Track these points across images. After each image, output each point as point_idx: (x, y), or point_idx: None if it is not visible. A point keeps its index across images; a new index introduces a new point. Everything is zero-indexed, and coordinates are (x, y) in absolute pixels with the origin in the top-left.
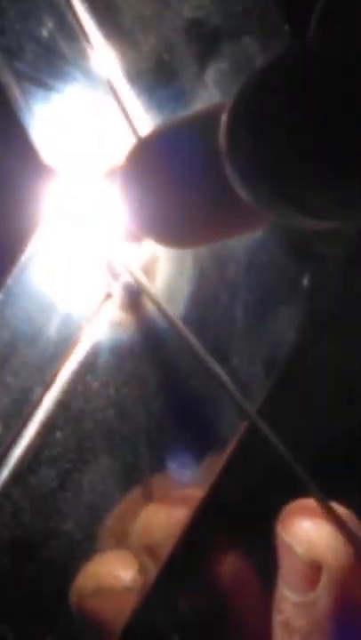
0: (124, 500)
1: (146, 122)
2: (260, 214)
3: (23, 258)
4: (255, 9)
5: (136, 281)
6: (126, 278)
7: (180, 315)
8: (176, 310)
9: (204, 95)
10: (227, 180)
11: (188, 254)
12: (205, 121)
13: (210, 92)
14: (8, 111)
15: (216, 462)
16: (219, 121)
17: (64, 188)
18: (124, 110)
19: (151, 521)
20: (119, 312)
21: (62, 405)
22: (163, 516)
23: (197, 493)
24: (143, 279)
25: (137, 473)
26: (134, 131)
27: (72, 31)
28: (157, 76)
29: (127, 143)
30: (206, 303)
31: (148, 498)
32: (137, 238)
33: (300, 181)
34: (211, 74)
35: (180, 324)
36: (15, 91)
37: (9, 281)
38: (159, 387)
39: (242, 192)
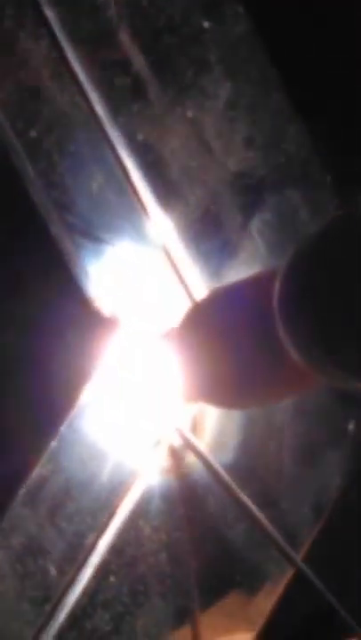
0: None
1: (198, 280)
2: (311, 376)
3: (77, 406)
4: (297, 160)
5: (182, 434)
6: (175, 428)
7: (229, 462)
8: (225, 458)
9: (249, 245)
10: (279, 343)
11: None
12: (258, 286)
13: (254, 242)
14: (60, 263)
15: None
16: (272, 286)
17: (118, 340)
18: (177, 271)
19: None
20: (169, 459)
21: (116, 550)
22: None
23: (245, 636)
24: (189, 432)
25: (189, 616)
26: (188, 291)
27: (121, 185)
28: (204, 227)
29: (181, 303)
30: (254, 450)
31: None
32: (190, 399)
33: (355, 346)
34: (255, 224)
35: (224, 475)
36: (67, 244)
37: (63, 428)
38: (209, 531)
39: (296, 355)
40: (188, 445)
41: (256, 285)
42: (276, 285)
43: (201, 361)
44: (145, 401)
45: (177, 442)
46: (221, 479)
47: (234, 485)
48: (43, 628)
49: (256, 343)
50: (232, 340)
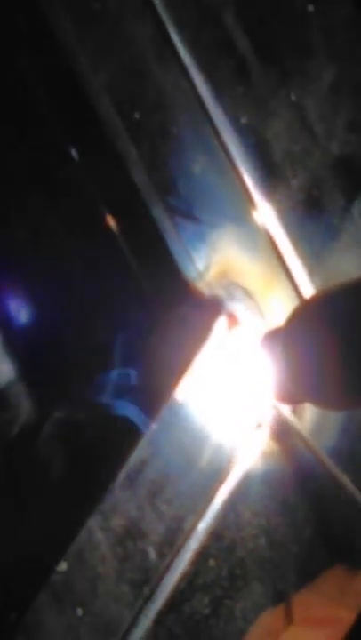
0: (263, 618)
1: (300, 264)
2: None
3: (178, 389)
4: None
5: (283, 417)
6: (276, 411)
7: (329, 446)
8: (326, 441)
9: (352, 229)
10: None
11: None
12: None
13: (357, 226)
14: (162, 244)
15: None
16: None
17: (220, 324)
18: (279, 255)
19: None
20: (270, 442)
21: (215, 534)
22: (302, 638)
23: (340, 614)
24: (290, 415)
25: (287, 600)
26: (290, 276)
27: (223, 167)
28: (306, 211)
29: (284, 289)
30: (355, 434)
31: (289, 618)
32: (294, 399)
33: None
34: (358, 208)
35: (325, 457)
36: (169, 225)
37: (163, 411)
38: (309, 516)
39: None
40: (289, 429)
41: None
42: None
43: (306, 358)
44: (246, 385)
45: (278, 425)
46: (323, 462)
47: (335, 468)
48: (142, 610)
49: None
50: (341, 338)
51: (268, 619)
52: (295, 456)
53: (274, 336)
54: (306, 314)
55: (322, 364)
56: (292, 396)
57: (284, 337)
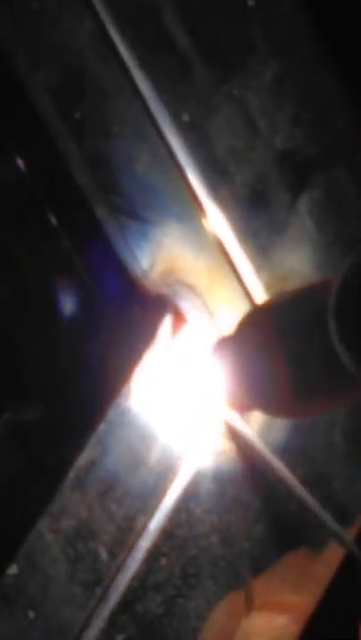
0: (221, 605)
1: (245, 259)
2: None
3: (125, 388)
4: (346, 138)
5: (232, 417)
6: (224, 409)
7: (279, 441)
8: (275, 437)
9: (298, 224)
10: (334, 354)
11: None
12: (315, 296)
13: (303, 221)
14: (106, 244)
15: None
16: (328, 296)
17: (167, 322)
18: (224, 251)
19: (253, 629)
20: (220, 440)
21: (166, 533)
22: (262, 624)
23: (301, 599)
24: (238, 416)
25: (247, 586)
26: (236, 271)
27: (166, 165)
28: (251, 206)
29: (230, 283)
30: (305, 429)
31: (249, 604)
32: (244, 406)
33: None
34: (304, 203)
35: (272, 457)
36: (111, 223)
37: (111, 411)
38: (260, 512)
39: (351, 365)
40: (236, 427)
41: (312, 295)
42: (331, 297)
43: (255, 366)
44: (195, 385)
45: (227, 424)
46: (270, 462)
47: (282, 467)
48: (94, 611)
49: (312, 352)
50: (288, 347)
51: (228, 605)
52: (245, 454)
53: (224, 343)
54: (255, 322)
55: (270, 374)
56: (242, 403)
57: (233, 345)
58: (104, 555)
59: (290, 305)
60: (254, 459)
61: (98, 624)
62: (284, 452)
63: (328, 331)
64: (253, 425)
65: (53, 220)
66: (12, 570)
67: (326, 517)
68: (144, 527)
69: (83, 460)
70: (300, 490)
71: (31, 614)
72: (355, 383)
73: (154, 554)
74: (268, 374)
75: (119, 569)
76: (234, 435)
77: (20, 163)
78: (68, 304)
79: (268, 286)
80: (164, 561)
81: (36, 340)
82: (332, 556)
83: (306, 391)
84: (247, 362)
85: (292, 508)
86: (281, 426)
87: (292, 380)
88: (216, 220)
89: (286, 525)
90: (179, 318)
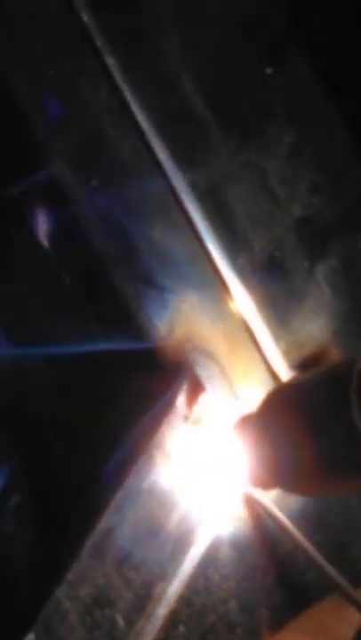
0: None
1: (265, 327)
2: None
3: (144, 456)
4: None
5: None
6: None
7: (298, 508)
8: (293, 504)
9: (315, 291)
10: (358, 434)
11: None
12: (338, 377)
13: (321, 289)
14: (123, 311)
15: None
16: (351, 378)
17: (185, 390)
18: (243, 318)
19: None
20: (238, 508)
21: (184, 599)
22: None
23: None
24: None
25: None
26: (255, 339)
27: (184, 232)
28: (270, 274)
29: (254, 367)
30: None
31: None
32: (265, 484)
33: None
34: (321, 270)
35: (290, 526)
36: (129, 291)
37: (129, 479)
38: (279, 579)
39: None
40: (254, 495)
41: (335, 376)
42: (354, 379)
43: (278, 447)
44: (214, 454)
45: (245, 494)
46: (287, 529)
47: (299, 535)
48: None
49: (335, 434)
50: (311, 428)
51: None
52: (263, 521)
53: (247, 421)
54: (278, 402)
55: (292, 454)
56: (263, 480)
57: (256, 424)
58: (121, 622)
59: (313, 386)
60: (272, 527)
61: None
62: (302, 518)
63: (351, 413)
64: (271, 491)
65: (73, 289)
66: (30, 637)
67: (343, 583)
68: (162, 594)
69: (101, 527)
70: (317, 557)
71: None
72: None
73: (172, 621)
74: (291, 455)
75: (137, 636)
76: (252, 502)
77: (37, 229)
78: (83, 372)
79: (286, 353)
80: (181, 628)
81: (56, 407)
82: (354, 615)
83: (328, 472)
84: (270, 441)
85: (309, 576)
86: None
87: (314, 462)
88: (235, 288)
89: (304, 592)
90: (197, 386)
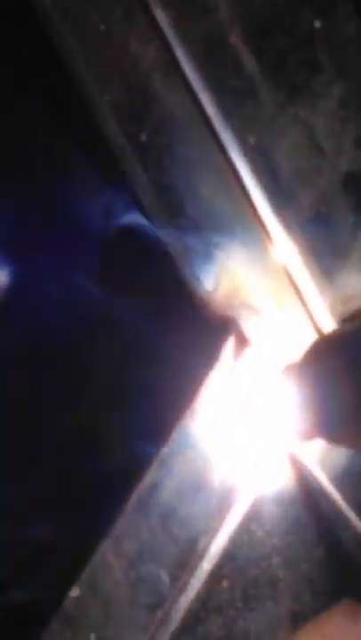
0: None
1: (310, 282)
2: None
3: (189, 411)
4: None
5: (294, 444)
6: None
7: (342, 466)
8: (337, 462)
9: None
10: None
11: None
12: None
13: None
14: (169, 265)
15: None
16: None
17: (232, 346)
18: (290, 275)
19: None
20: (282, 464)
21: (228, 554)
22: None
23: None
24: (300, 447)
25: (302, 620)
26: (300, 295)
27: (232, 187)
28: (316, 228)
29: (294, 307)
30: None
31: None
32: (310, 435)
33: None
34: None
35: (330, 487)
36: (178, 246)
37: (174, 434)
38: (321, 535)
39: None
40: (298, 454)
41: None
42: None
43: (324, 396)
44: (259, 408)
45: (289, 449)
46: (326, 489)
47: (338, 496)
48: (155, 634)
49: None
50: (356, 376)
51: None
52: (306, 480)
53: (292, 371)
54: (325, 351)
55: (339, 404)
56: (308, 431)
57: (301, 373)
58: (165, 577)
59: (358, 335)
60: (314, 484)
61: None
62: (345, 475)
63: None
64: (315, 449)
65: (120, 242)
66: (75, 592)
67: None
68: (206, 549)
69: (145, 482)
70: (356, 522)
71: (92, 637)
72: None
73: (215, 576)
74: (337, 404)
75: (180, 591)
76: (296, 459)
77: (89, 183)
78: (131, 327)
79: (331, 308)
80: (225, 583)
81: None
82: None
83: None
84: (316, 391)
85: (351, 533)
86: (343, 450)
87: (358, 411)
88: (281, 243)
89: (346, 549)
90: (242, 340)
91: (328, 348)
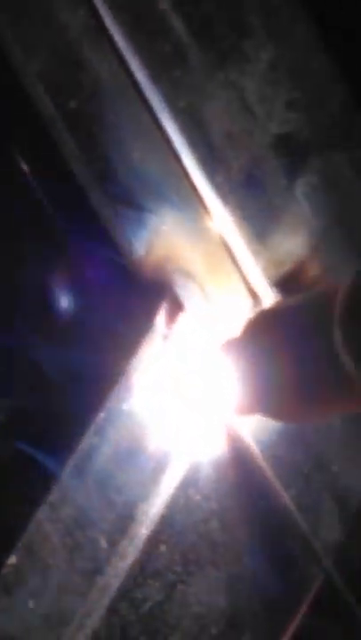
0: None
1: (242, 244)
2: None
3: (123, 377)
4: (342, 121)
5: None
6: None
7: (279, 426)
8: (273, 422)
9: (295, 208)
10: (338, 361)
11: None
12: (322, 304)
13: (300, 206)
14: (102, 233)
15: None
16: (334, 304)
17: (165, 310)
18: (222, 238)
19: None
20: (218, 428)
21: (166, 520)
22: None
23: None
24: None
25: (241, 583)
26: (232, 256)
27: (163, 153)
28: (249, 192)
29: (226, 267)
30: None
31: None
32: (244, 409)
33: None
34: (300, 187)
35: (262, 459)
36: (108, 212)
37: (109, 400)
38: (259, 498)
39: (352, 371)
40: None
41: (318, 303)
42: (337, 306)
43: (261, 372)
44: (192, 373)
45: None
46: (258, 461)
47: (269, 469)
48: (95, 599)
49: (317, 360)
50: (294, 353)
51: None
52: (241, 448)
53: (230, 346)
54: (262, 327)
55: (275, 380)
56: (244, 406)
57: (239, 348)
58: (104, 543)
59: (297, 311)
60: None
61: (98, 612)
62: (282, 436)
63: (333, 339)
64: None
65: (49, 209)
66: (12, 560)
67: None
68: (143, 514)
69: (82, 448)
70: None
71: (31, 604)
72: (358, 392)
73: (153, 541)
74: (273, 380)
75: (119, 557)
76: (231, 429)
77: (16, 153)
78: (63, 293)
79: (265, 271)
80: (163, 548)
81: (35, 330)
82: None
83: (309, 398)
84: (253, 366)
85: (291, 493)
86: (279, 440)
87: (296, 387)
88: (213, 207)
89: (283, 512)
90: (176, 305)
91: (268, 322)
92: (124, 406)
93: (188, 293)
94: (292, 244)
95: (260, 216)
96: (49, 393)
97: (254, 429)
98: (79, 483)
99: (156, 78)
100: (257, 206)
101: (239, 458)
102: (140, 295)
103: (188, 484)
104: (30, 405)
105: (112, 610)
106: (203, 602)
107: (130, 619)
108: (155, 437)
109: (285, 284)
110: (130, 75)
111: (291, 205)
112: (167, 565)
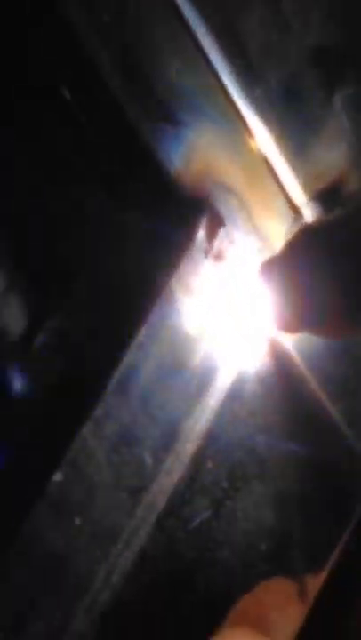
0: (265, 585)
1: (284, 160)
2: None
3: (165, 292)
4: None
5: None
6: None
7: (324, 371)
8: (319, 366)
9: (333, 122)
10: None
11: None
12: None
13: (338, 118)
14: (139, 147)
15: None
16: None
17: (205, 227)
18: (261, 153)
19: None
20: (263, 346)
21: (212, 435)
22: None
23: None
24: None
25: (288, 498)
26: (280, 185)
27: (199, 67)
28: (286, 105)
29: (273, 199)
30: (350, 361)
31: (303, 597)
32: (292, 328)
33: None
34: (338, 99)
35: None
36: (145, 127)
37: (151, 314)
38: (306, 412)
39: None
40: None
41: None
42: None
43: (307, 288)
44: (235, 288)
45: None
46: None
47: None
48: (141, 516)
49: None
50: (341, 268)
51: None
52: (286, 363)
53: (273, 263)
54: (307, 242)
55: (322, 296)
56: (290, 324)
57: (283, 265)
58: (149, 460)
59: (343, 225)
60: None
61: (145, 529)
62: (328, 351)
63: None
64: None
65: (86, 127)
66: (57, 477)
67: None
68: (189, 430)
69: (124, 364)
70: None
71: (77, 521)
72: None
73: (199, 457)
74: (318, 295)
75: (165, 473)
76: (275, 344)
77: (51, 72)
78: (104, 211)
79: (304, 185)
80: (209, 464)
81: (78, 247)
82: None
83: (354, 312)
84: (297, 282)
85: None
86: (325, 355)
87: (341, 302)
88: (252, 122)
89: (332, 426)
90: (216, 220)
91: (311, 238)
92: (167, 321)
93: (227, 208)
94: (332, 157)
95: (299, 130)
96: (93, 312)
97: (300, 345)
98: (123, 399)
99: None
100: (296, 120)
101: (285, 373)
102: (180, 209)
103: (233, 398)
104: (72, 325)
105: (159, 527)
106: (250, 518)
107: (177, 535)
108: (198, 353)
109: (326, 197)
110: None
111: (329, 119)
112: (214, 481)
